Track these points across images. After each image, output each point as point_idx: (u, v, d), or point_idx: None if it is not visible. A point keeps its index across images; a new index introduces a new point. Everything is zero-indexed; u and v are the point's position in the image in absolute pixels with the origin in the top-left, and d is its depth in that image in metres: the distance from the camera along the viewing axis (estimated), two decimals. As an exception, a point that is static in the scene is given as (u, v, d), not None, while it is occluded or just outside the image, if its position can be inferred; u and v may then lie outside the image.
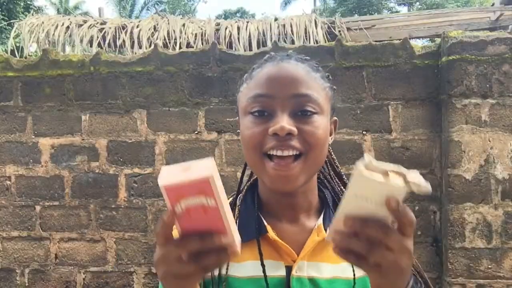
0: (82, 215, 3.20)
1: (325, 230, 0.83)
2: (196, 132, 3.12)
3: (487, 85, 2.80)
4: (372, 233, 0.60)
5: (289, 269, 0.81)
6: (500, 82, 2.81)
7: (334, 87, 0.88)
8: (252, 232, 0.83)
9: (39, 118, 3.23)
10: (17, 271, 3.24)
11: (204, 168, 0.59)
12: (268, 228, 0.83)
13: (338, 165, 0.94)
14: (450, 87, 2.83)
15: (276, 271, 0.80)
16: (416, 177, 0.59)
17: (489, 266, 2.78)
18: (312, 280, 0.81)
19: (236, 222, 0.81)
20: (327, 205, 0.88)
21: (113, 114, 3.19)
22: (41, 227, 3.23)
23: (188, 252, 0.61)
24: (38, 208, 3.23)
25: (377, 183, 0.58)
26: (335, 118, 0.89)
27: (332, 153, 0.92)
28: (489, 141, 2.80)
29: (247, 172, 0.94)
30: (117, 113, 3.19)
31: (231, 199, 0.93)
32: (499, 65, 2.80)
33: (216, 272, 0.81)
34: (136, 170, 3.16)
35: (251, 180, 0.93)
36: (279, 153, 0.76)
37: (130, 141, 3.17)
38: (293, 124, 0.76)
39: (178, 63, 3.13)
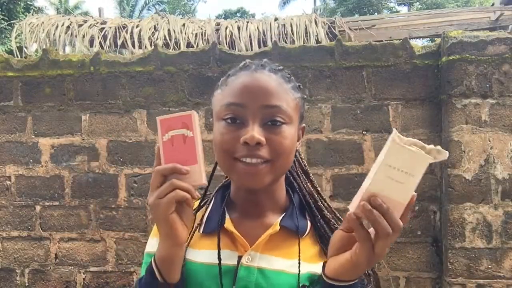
0: (82, 215, 3.20)
1: (282, 227, 0.90)
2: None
3: (487, 85, 2.80)
4: (389, 221, 0.69)
5: (240, 258, 0.88)
6: (500, 82, 2.81)
7: (304, 96, 0.95)
8: (215, 225, 0.91)
9: (39, 118, 3.23)
10: (17, 271, 3.24)
11: (189, 111, 0.77)
12: (227, 220, 0.91)
13: (306, 164, 1.02)
14: (450, 87, 2.83)
15: (229, 260, 0.87)
16: (433, 147, 0.69)
17: (489, 266, 2.78)
18: (261, 270, 0.87)
19: (205, 216, 0.95)
20: (293, 205, 0.95)
21: (113, 114, 3.19)
22: (41, 227, 3.23)
23: (164, 174, 0.74)
24: (38, 208, 3.23)
25: (411, 152, 0.67)
26: (303, 125, 0.96)
27: (301, 153, 1.01)
28: (489, 141, 2.80)
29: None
30: (117, 113, 3.19)
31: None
32: (499, 65, 2.80)
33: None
34: (136, 170, 3.16)
35: (227, 179, 1.00)
36: (248, 160, 0.83)
37: (130, 141, 3.17)
38: (262, 134, 0.83)
39: (178, 63, 3.14)
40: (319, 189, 1.00)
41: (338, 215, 0.97)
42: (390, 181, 0.68)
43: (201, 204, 0.98)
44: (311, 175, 1.01)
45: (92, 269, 3.18)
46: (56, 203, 3.21)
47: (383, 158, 0.68)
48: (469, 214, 2.80)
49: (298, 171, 1.00)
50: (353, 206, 0.72)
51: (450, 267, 2.81)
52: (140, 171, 3.16)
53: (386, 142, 0.70)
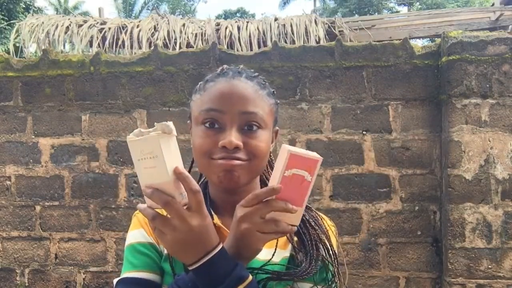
0: (82, 215, 3.20)
1: None
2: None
3: (487, 85, 2.81)
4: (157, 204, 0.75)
5: None
6: (500, 82, 2.81)
7: (278, 101, 1.01)
8: None
9: (39, 118, 3.23)
10: (17, 271, 3.24)
11: (316, 154, 0.79)
12: (214, 216, 0.95)
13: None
14: (450, 87, 2.83)
15: None
16: (158, 124, 0.75)
17: (489, 266, 2.78)
18: None
19: None
20: None
21: (113, 114, 3.19)
22: (41, 227, 3.23)
23: (272, 210, 0.78)
24: (38, 208, 3.23)
25: (140, 140, 0.74)
26: (277, 128, 1.03)
27: (272, 156, 1.05)
28: (489, 141, 2.80)
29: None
30: (117, 113, 3.19)
31: None
32: (499, 65, 2.80)
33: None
34: (136, 170, 3.16)
35: (203, 179, 1.05)
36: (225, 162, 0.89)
37: (130, 141, 3.17)
38: (240, 138, 0.88)
39: (178, 63, 3.14)
40: None
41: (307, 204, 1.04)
42: (147, 170, 0.75)
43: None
44: None
45: (92, 269, 3.18)
46: (56, 203, 3.21)
47: (132, 158, 0.76)
48: (469, 214, 2.80)
49: (270, 172, 1.05)
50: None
51: (450, 267, 2.81)
52: (140, 171, 3.16)
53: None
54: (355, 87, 3.04)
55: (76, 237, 3.20)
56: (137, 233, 0.96)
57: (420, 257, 3.00)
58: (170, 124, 0.75)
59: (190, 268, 0.80)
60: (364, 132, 3.03)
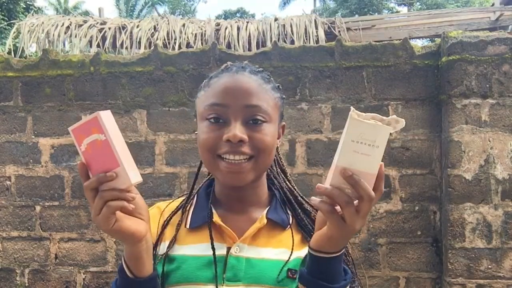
0: (82, 215, 3.20)
1: (268, 220, 0.95)
2: (196, 132, 3.12)
3: (487, 85, 2.81)
4: (359, 193, 0.72)
5: (229, 249, 0.93)
6: (500, 82, 2.81)
7: (283, 96, 1.00)
8: (201, 219, 0.96)
9: (39, 118, 3.23)
10: (17, 271, 3.24)
11: (94, 113, 0.73)
12: (215, 214, 0.95)
13: (284, 163, 1.08)
14: (450, 87, 2.83)
15: (218, 250, 0.92)
16: (391, 117, 0.73)
17: (489, 266, 2.78)
18: (248, 260, 0.92)
19: (191, 211, 0.99)
20: (276, 199, 1.01)
21: (113, 114, 3.18)
22: (41, 227, 3.23)
23: (93, 188, 0.76)
24: (38, 208, 3.23)
25: (370, 125, 0.71)
26: (284, 123, 1.02)
27: (280, 153, 1.05)
28: (489, 141, 2.81)
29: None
30: (117, 113, 3.19)
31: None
32: (499, 65, 2.80)
33: (166, 251, 0.94)
34: (136, 170, 3.16)
35: (209, 176, 1.06)
36: (231, 157, 0.88)
37: (130, 141, 3.17)
38: (244, 132, 0.88)
39: (178, 63, 3.14)
40: (296, 187, 1.06)
41: None
42: (357, 154, 0.71)
43: (187, 200, 1.03)
44: (288, 174, 1.07)
45: (92, 269, 3.18)
46: (56, 203, 3.21)
47: (345, 134, 0.72)
48: (469, 214, 2.80)
49: (278, 171, 1.05)
50: (327, 182, 0.75)
51: (450, 267, 2.81)
52: (140, 171, 3.14)
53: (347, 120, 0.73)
54: (355, 87, 3.04)
55: (76, 237, 3.20)
56: None
57: (420, 257, 3.00)
58: (402, 121, 0.73)
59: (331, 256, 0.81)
60: (364, 132, 3.03)
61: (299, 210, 1.00)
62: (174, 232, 0.96)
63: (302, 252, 0.93)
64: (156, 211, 1.01)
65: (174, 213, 1.00)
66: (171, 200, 1.05)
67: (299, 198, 1.02)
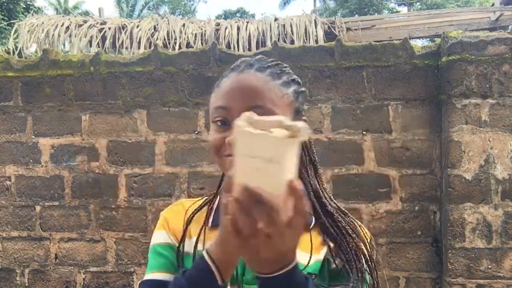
0: (82, 215, 3.20)
1: None
2: (196, 132, 3.12)
3: (487, 85, 2.81)
4: (259, 219, 0.60)
5: None
6: (500, 82, 2.81)
7: (302, 89, 0.94)
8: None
9: (39, 118, 3.23)
10: (17, 271, 3.24)
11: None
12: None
13: (316, 160, 1.05)
14: (450, 87, 2.83)
15: None
16: (296, 123, 0.58)
17: (489, 266, 2.78)
18: None
19: (213, 211, 0.98)
20: None
21: (113, 114, 3.19)
22: (41, 227, 3.23)
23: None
24: (38, 208, 3.23)
25: (261, 137, 0.57)
26: (304, 118, 0.95)
27: (312, 147, 1.03)
28: (489, 141, 2.80)
29: None
30: (117, 113, 3.19)
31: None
32: (499, 65, 2.80)
33: (194, 249, 0.93)
34: (136, 170, 3.16)
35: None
36: None
37: (130, 141, 3.17)
38: None
39: (178, 63, 3.13)
40: (325, 186, 1.03)
41: (343, 209, 1.01)
42: (254, 171, 0.58)
43: (212, 199, 1.03)
44: (319, 170, 1.03)
45: (92, 269, 3.18)
46: (56, 203, 3.21)
47: (235, 148, 0.59)
48: (469, 214, 2.80)
49: (308, 167, 1.02)
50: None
51: (450, 267, 2.81)
52: (140, 171, 3.16)
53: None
54: (355, 87, 3.04)
55: (76, 237, 3.20)
56: (159, 234, 0.98)
57: (420, 257, 3.00)
58: (301, 125, 0.57)
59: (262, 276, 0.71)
60: (364, 132, 3.03)
61: (321, 213, 0.97)
62: (198, 230, 0.96)
63: (321, 254, 0.92)
64: (180, 208, 1.02)
65: (197, 210, 1.00)
66: (199, 199, 1.06)
67: (324, 199, 0.99)
